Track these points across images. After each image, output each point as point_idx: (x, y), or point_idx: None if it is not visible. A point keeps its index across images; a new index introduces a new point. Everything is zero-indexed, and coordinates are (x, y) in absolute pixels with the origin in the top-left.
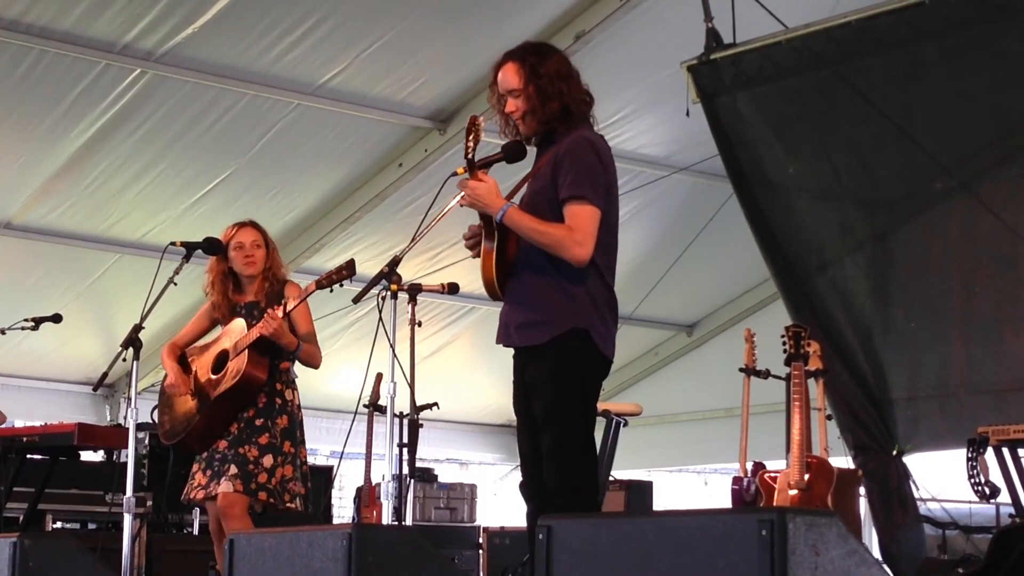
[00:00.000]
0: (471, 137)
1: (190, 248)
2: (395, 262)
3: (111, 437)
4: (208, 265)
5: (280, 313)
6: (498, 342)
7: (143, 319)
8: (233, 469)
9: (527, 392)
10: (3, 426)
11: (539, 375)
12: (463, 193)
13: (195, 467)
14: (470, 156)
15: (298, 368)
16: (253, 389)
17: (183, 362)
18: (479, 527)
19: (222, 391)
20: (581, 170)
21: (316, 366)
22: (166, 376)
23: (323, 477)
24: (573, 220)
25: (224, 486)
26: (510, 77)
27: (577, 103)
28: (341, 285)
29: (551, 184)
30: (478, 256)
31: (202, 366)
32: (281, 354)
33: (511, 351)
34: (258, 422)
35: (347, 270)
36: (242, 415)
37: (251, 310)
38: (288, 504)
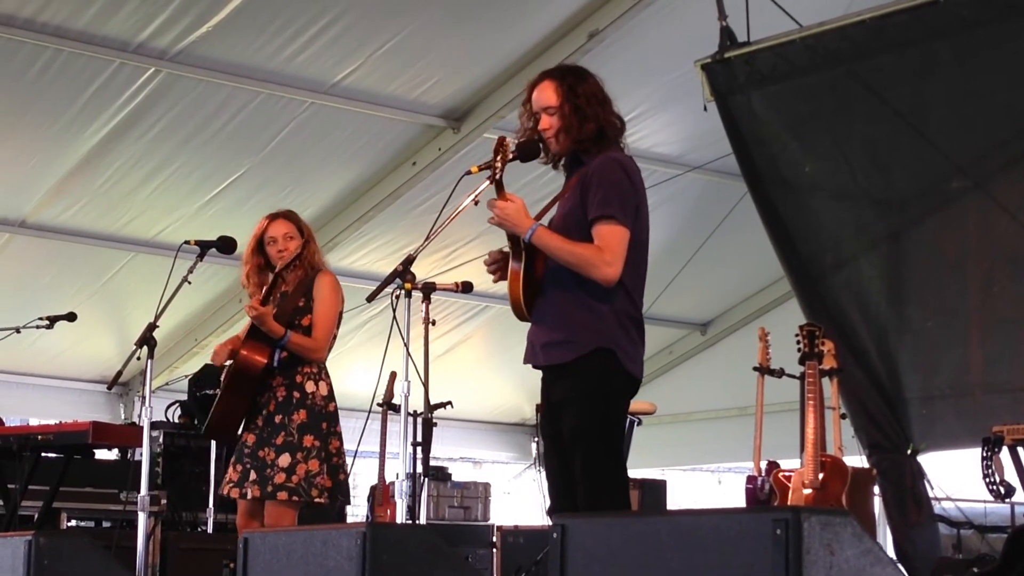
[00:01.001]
0: (499, 157)
1: (204, 247)
2: (409, 261)
3: (125, 435)
4: (243, 256)
5: (260, 299)
6: (525, 362)
7: (157, 317)
8: (253, 475)
9: (554, 413)
10: (18, 424)
11: (565, 395)
12: (492, 213)
13: (231, 460)
14: (499, 177)
15: None
16: (252, 373)
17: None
18: (493, 526)
19: (226, 381)
20: (610, 190)
21: (311, 359)
22: None
23: None
24: (602, 240)
25: (249, 493)
26: (548, 95)
27: (611, 126)
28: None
29: (580, 205)
30: (500, 280)
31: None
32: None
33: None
34: (277, 419)
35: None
36: (263, 411)
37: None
38: (317, 499)
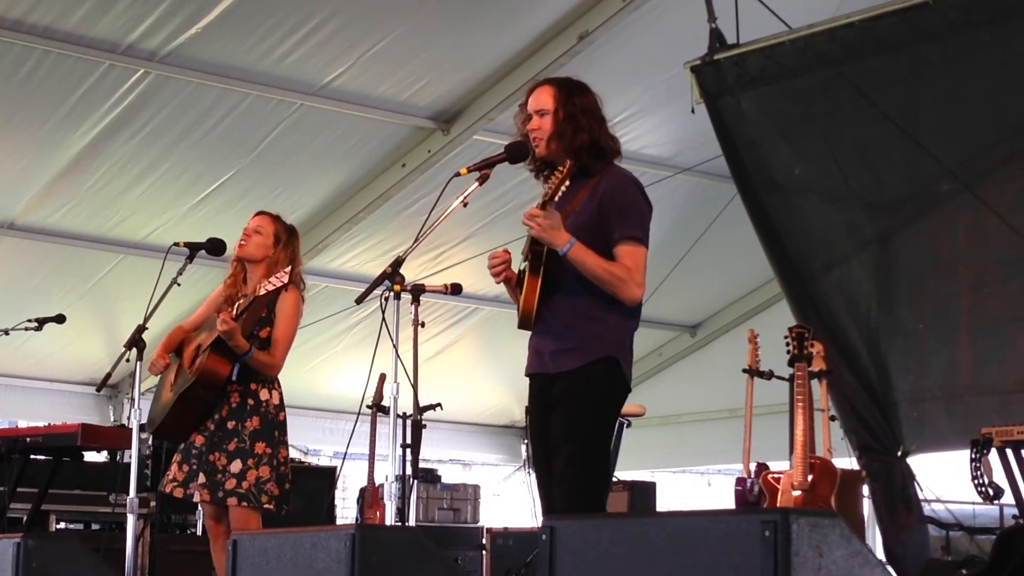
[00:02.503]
0: (563, 181)
1: (193, 249)
2: (398, 262)
3: (114, 438)
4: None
5: (233, 315)
6: (530, 371)
7: (146, 320)
8: (201, 478)
9: (546, 415)
10: (7, 426)
11: (565, 394)
12: (536, 223)
13: (174, 458)
14: (548, 197)
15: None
16: (214, 385)
17: (181, 348)
18: (482, 528)
19: (184, 388)
20: (633, 211)
21: (268, 375)
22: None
23: (326, 478)
24: (630, 260)
25: (197, 496)
26: (544, 98)
27: (608, 141)
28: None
29: (596, 221)
30: (501, 282)
31: (187, 358)
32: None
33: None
34: (229, 424)
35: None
36: (215, 415)
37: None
38: (266, 505)
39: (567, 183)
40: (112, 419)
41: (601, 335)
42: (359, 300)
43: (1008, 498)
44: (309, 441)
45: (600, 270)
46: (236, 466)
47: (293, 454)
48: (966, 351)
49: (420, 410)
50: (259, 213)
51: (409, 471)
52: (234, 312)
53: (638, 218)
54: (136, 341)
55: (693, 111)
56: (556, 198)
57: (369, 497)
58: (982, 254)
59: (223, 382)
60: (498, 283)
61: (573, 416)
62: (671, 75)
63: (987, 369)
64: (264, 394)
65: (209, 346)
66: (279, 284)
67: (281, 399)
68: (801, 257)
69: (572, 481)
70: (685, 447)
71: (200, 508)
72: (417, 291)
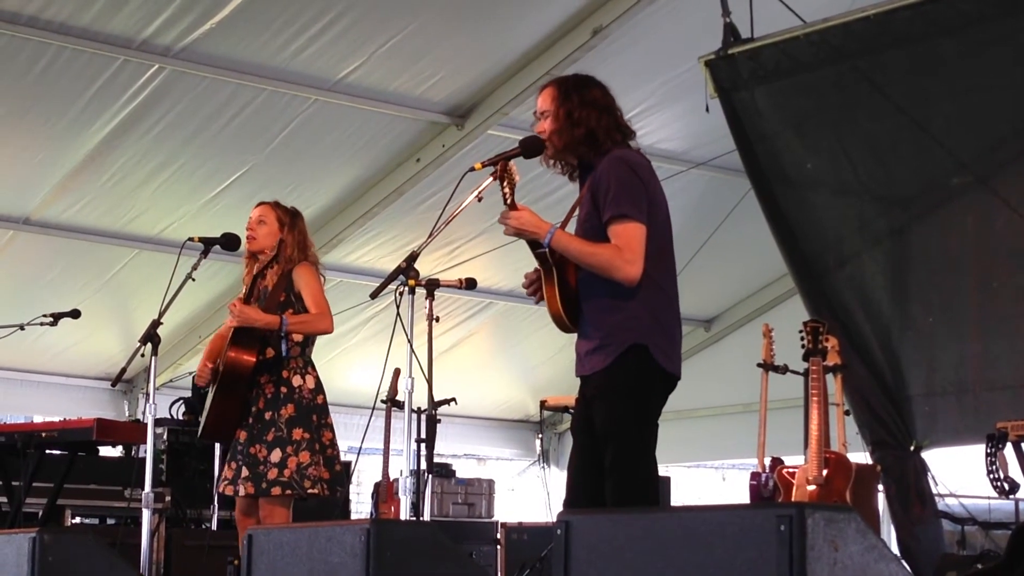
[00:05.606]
0: (505, 183)
1: (208, 244)
2: (413, 257)
3: (130, 432)
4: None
5: (241, 300)
6: (577, 374)
7: (161, 314)
8: (245, 472)
9: (587, 409)
10: (22, 421)
11: (599, 392)
12: (507, 224)
13: (227, 459)
14: (509, 202)
15: (317, 360)
16: (242, 374)
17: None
18: (497, 522)
19: (216, 384)
20: (619, 188)
21: (322, 332)
22: None
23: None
24: (619, 239)
25: (242, 490)
26: (545, 99)
27: (608, 131)
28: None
29: (595, 210)
30: (540, 301)
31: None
32: (272, 336)
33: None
34: (267, 415)
35: None
36: (253, 407)
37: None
38: (310, 490)
39: (509, 188)
40: (127, 414)
41: (625, 324)
42: (374, 295)
43: (1023, 493)
44: None
45: (586, 255)
46: (276, 455)
47: None
48: (976, 345)
49: (435, 405)
50: (258, 204)
51: (424, 466)
52: (243, 297)
53: (626, 193)
54: (151, 336)
55: (708, 110)
56: (513, 202)
57: (384, 492)
58: (992, 248)
59: (250, 370)
60: (537, 303)
61: (609, 414)
62: (685, 70)
63: (998, 363)
64: (297, 380)
65: (230, 338)
66: (261, 244)
67: (317, 383)
68: (814, 252)
69: (618, 479)
70: (699, 442)
71: (216, 503)
72: (432, 286)
